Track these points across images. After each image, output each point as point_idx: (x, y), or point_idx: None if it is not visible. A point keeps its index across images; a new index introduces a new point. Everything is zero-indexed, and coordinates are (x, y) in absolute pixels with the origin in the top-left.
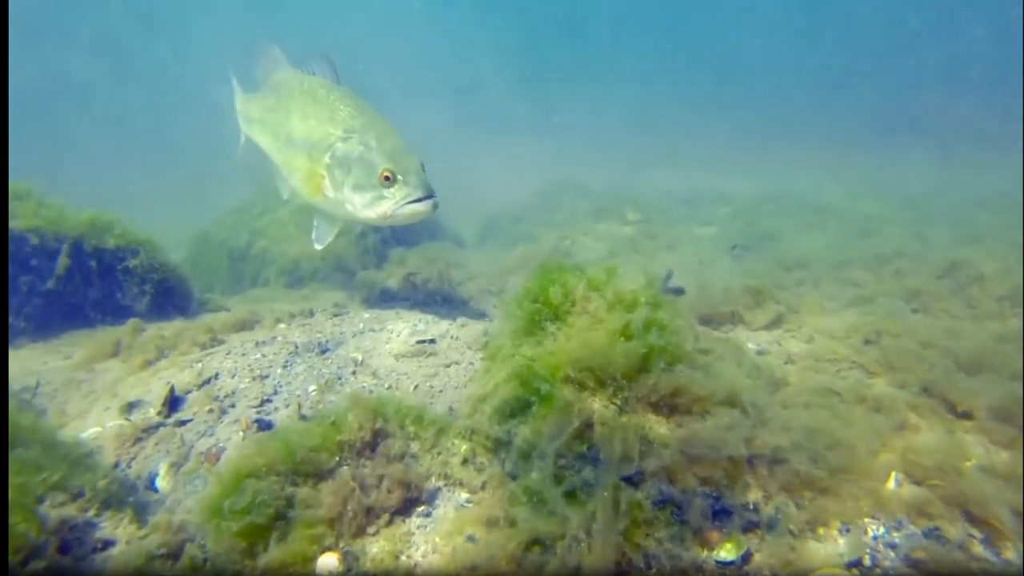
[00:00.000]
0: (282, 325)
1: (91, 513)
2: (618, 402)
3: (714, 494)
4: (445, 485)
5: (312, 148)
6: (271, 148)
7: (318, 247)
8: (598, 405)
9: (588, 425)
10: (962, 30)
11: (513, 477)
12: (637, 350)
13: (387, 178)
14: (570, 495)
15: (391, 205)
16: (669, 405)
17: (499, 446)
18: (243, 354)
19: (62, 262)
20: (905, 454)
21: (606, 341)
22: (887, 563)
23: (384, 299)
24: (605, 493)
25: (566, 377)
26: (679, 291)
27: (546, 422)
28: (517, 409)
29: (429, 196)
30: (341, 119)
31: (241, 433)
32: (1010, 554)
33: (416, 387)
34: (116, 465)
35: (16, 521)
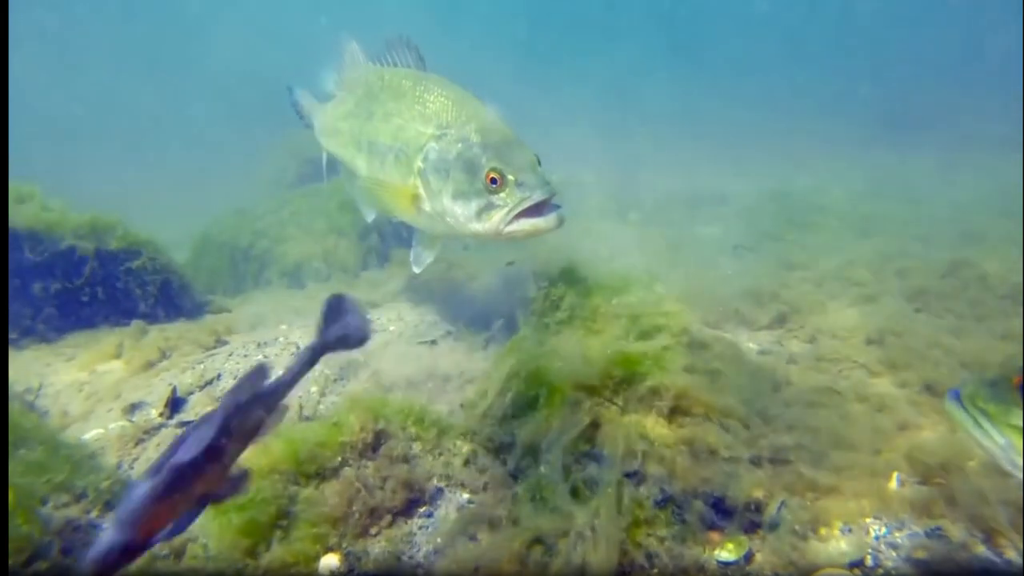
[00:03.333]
0: (284, 326)
1: (94, 514)
2: (619, 402)
3: (716, 494)
4: (447, 485)
5: (400, 153)
6: (352, 161)
7: (416, 271)
8: (599, 407)
9: (593, 424)
10: (963, 29)
11: (515, 476)
12: (632, 355)
13: (494, 180)
14: (574, 492)
15: (503, 215)
16: (669, 408)
17: (501, 446)
18: (245, 355)
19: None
20: (911, 452)
21: (602, 347)
22: (889, 563)
23: (386, 300)
24: (609, 489)
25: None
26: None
27: (554, 416)
28: (521, 408)
29: (550, 204)
30: (432, 113)
31: None
32: (1011, 554)
33: (418, 388)
34: (119, 466)
35: (19, 522)
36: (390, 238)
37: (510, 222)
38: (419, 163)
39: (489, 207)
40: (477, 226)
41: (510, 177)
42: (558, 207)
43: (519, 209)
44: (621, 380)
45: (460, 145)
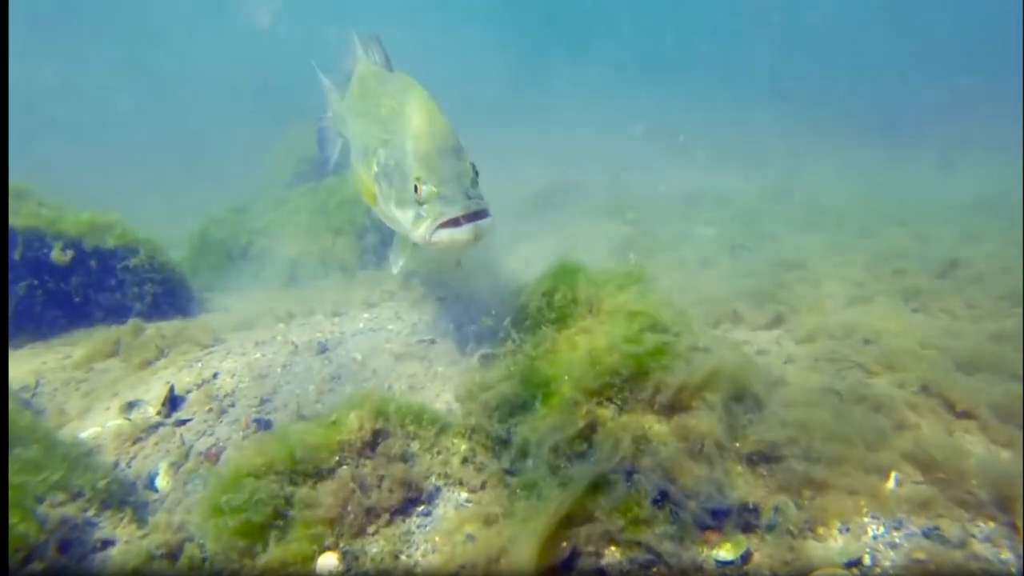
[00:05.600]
0: (282, 325)
1: (91, 513)
2: (618, 402)
3: (714, 493)
4: (445, 484)
5: (362, 154)
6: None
7: (393, 271)
8: (598, 406)
9: (590, 424)
10: (961, 27)
11: (511, 474)
12: (637, 355)
13: (419, 190)
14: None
15: (427, 226)
16: (668, 405)
17: (499, 444)
18: (243, 354)
19: (62, 266)
20: (915, 446)
21: (606, 346)
22: (887, 563)
23: (384, 298)
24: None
25: (567, 378)
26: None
27: (547, 419)
28: (517, 407)
29: (474, 215)
30: (385, 116)
31: (241, 433)
32: (1008, 554)
33: (416, 387)
34: (116, 465)
35: (15, 521)
36: (388, 238)
37: (434, 232)
38: (374, 166)
39: (418, 217)
40: (414, 234)
41: (433, 189)
42: (486, 217)
43: (439, 222)
44: (617, 379)
45: (399, 152)
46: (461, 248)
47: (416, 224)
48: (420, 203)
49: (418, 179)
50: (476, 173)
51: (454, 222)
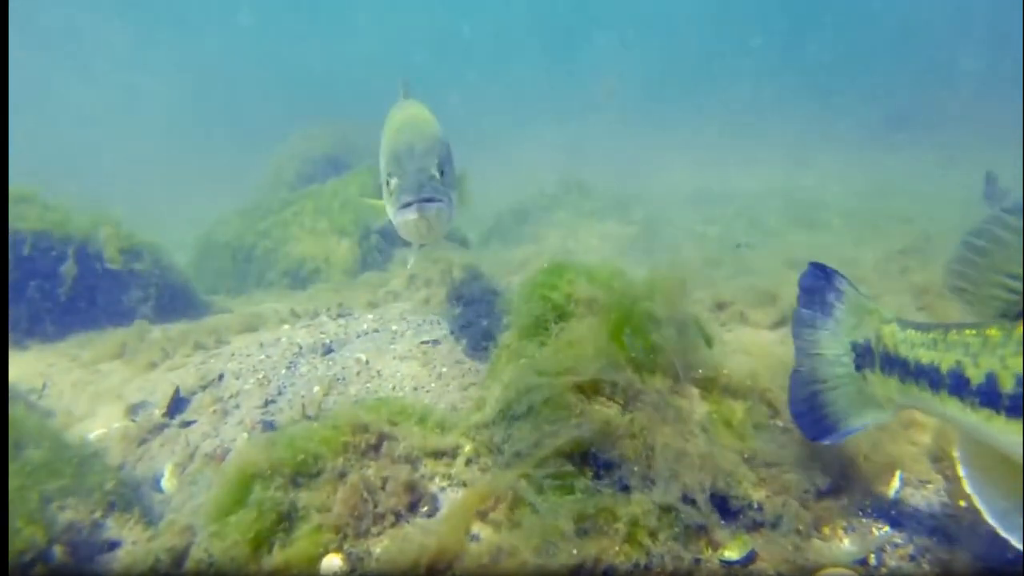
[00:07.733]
0: (286, 326)
1: (97, 514)
2: (620, 401)
3: (719, 493)
4: (449, 485)
5: (382, 170)
6: None
7: (409, 267)
8: (598, 406)
9: (591, 425)
10: (961, 24)
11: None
12: (640, 355)
13: (388, 183)
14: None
15: (392, 212)
16: (672, 406)
17: (503, 446)
18: (247, 355)
19: (69, 269)
20: (922, 442)
21: (608, 342)
22: (893, 562)
23: (388, 299)
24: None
25: (569, 380)
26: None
27: (552, 418)
28: (520, 408)
29: (425, 200)
30: (387, 129)
31: (246, 434)
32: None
33: (420, 388)
34: (122, 466)
35: (21, 525)
36: (392, 238)
37: (395, 214)
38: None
39: (390, 206)
40: (395, 222)
41: (396, 181)
42: (435, 203)
43: (397, 206)
44: (621, 379)
45: (383, 157)
46: (414, 227)
47: (391, 211)
48: (391, 194)
49: (389, 175)
50: (441, 172)
51: (409, 206)
